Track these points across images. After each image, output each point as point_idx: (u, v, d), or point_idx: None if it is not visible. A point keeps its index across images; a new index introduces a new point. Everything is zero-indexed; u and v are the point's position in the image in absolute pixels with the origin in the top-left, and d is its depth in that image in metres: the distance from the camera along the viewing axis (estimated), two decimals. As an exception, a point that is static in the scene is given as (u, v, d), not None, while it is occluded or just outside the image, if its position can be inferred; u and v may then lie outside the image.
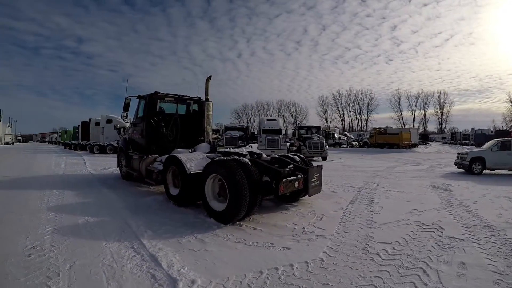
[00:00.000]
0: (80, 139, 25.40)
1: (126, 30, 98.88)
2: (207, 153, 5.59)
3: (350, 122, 72.09)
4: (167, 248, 3.26)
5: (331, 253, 3.15)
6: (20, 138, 65.50)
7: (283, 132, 19.38)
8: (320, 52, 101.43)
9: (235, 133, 19.29)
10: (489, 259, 3.05)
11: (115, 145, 18.46)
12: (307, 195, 5.04)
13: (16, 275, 2.67)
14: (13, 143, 47.67)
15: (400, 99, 67.76)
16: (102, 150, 20.67)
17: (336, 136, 38.27)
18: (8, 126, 51.24)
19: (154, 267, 2.80)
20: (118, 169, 8.89)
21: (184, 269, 2.73)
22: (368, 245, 3.38)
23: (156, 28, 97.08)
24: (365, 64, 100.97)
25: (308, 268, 2.79)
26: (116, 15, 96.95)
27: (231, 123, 22.24)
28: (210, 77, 6.66)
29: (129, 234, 3.72)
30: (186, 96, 7.63)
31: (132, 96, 7.28)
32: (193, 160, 5.08)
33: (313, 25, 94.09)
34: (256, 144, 17.78)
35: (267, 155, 5.57)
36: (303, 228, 4.00)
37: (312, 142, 16.69)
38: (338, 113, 72.09)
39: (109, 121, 20.64)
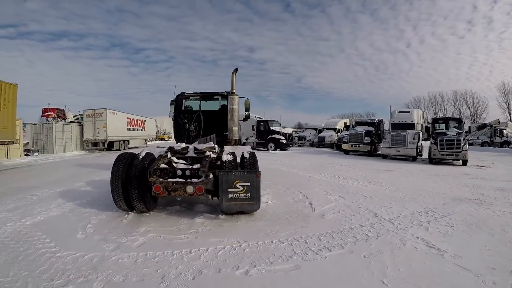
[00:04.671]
0: None
1: (291, 35, 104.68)
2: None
3: (542, 116, 51.93)
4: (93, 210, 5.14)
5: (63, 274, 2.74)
6: None
7: (418, 127, 15.30)
8: (497, 30, 79.81)
9: (360, 129, 17.50)
10: None
11: (243, 140, 20.42)
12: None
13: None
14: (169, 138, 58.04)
15: None
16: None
17: (504, 132, 28.56)
18: None
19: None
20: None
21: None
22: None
23: (319, 29, 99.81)
24: (555, 40, 71.34)
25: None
26: (279, 23, 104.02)
27: (361, 117, 20.99)
28: (236, 70, 6.64)
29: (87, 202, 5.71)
30: (214, 92, 7.88)
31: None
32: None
33: (481, -1, 73.83)
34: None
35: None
36: (115, 244, 3.41)
37: (444, 139, 12.35)
38: (525, 104, 52.57)
39: (244, 119, 23.38)
